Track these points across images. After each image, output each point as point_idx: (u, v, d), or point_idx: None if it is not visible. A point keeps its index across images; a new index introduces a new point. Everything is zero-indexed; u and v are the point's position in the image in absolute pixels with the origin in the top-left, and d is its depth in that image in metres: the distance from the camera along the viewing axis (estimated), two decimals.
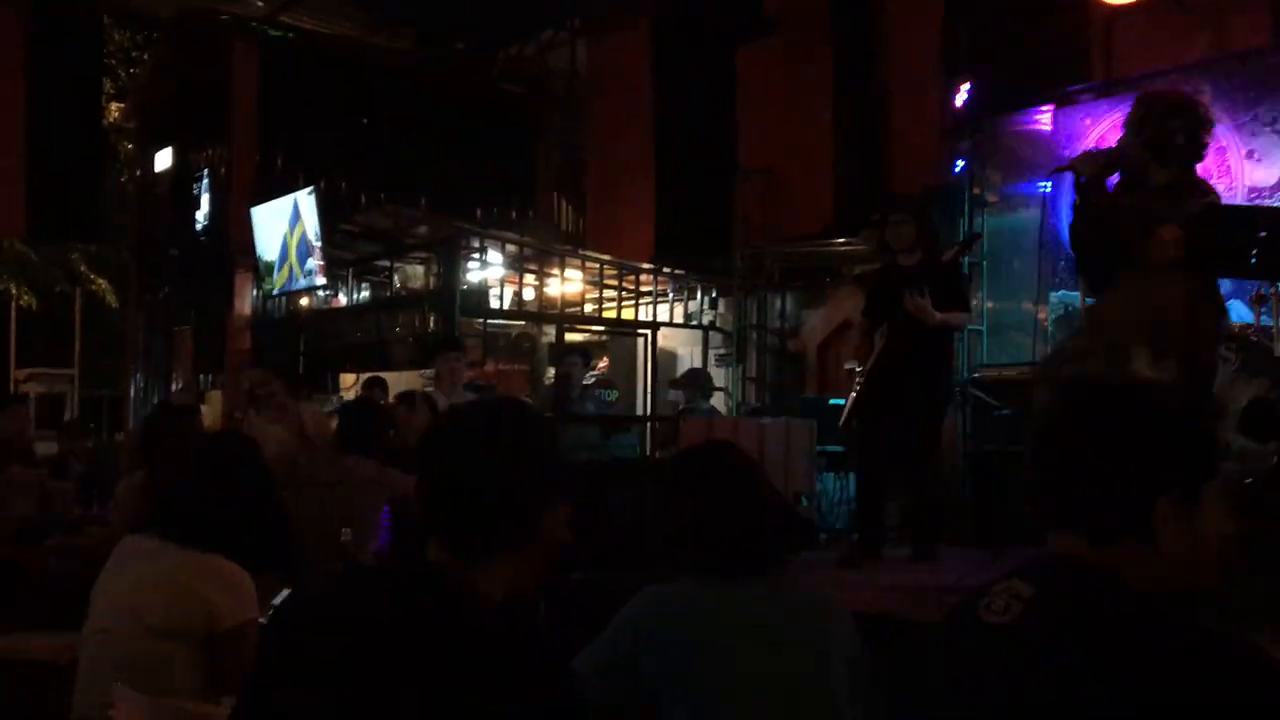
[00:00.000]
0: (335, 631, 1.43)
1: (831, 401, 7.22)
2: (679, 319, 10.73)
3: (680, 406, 7.72)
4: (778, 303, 9.90)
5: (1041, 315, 7.02)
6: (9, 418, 5.58)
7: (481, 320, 10.11)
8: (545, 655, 1.46)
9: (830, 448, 6.51)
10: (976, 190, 7.57)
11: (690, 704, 1.92)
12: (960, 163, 7.72)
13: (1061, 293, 6.90)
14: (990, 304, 7.65)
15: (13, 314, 20.41)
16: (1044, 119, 7.46)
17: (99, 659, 2.57)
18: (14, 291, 18.01)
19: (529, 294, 11.02)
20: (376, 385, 9.05)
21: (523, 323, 11.51)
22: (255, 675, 1.52)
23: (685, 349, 11.03)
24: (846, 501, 6.44)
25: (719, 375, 9.70)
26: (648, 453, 8.45)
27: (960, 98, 7.63)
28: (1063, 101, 7.40)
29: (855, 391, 5.09)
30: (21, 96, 9.31)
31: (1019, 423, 6.17)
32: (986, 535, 5.72)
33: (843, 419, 5.27)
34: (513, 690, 1.37)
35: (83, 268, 18.34)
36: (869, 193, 8.02)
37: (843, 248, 8.78)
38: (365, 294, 11.87)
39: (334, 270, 10.92)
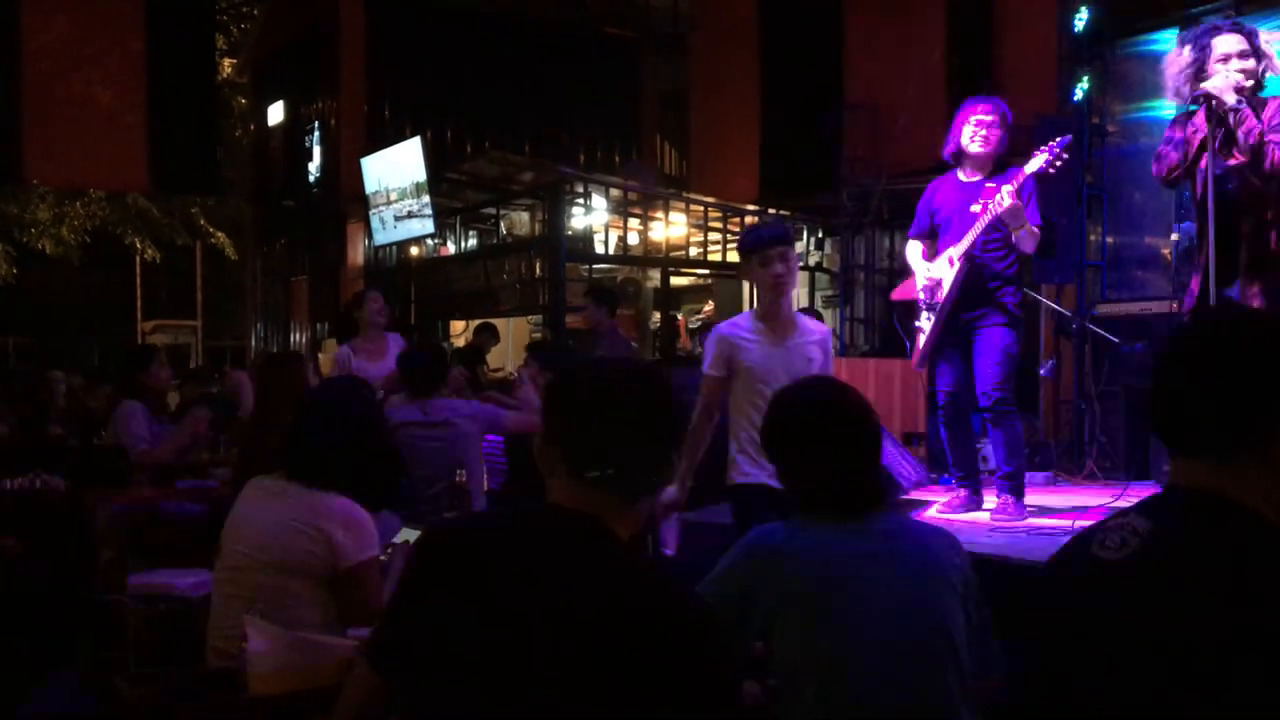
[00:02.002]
0: (511, 572, 1.49)
1: None
2: None
3: None
4: (886, 242, 9.71)
5: (1165, 249, 6.74)
6: (156, 366, 5.80)
7: (586, 265, 10.16)
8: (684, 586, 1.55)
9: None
10: (1095, 119, 7.26)
11: (804, 639, 1.92)
12: (1078, 91, 7.41)
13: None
14: (1110, 238, 7.38)
15: (138, 268, 21.22)
16: (1168, 42, 7.12)
17: (230, 594, 2.68)
18: (139, 245, 18.69)
19: (633, 238, 11.02)
20: (487, 331, 9.19)
21: (627, 267, 11.53)
22: (421, 611, 1.55)
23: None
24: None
25: (826, 317, 9.59)
26: None
27: (1078, 22, 7.31)
28: (1187, 23, 7.03)
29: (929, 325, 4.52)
30: (141, 56, 9.59)
31: (1143, 358, 5.97)
32: (1113, 473, 5.57)
33: (920, 358, 4.64)
34: (675, 616, 1.46)
35: (202, 221, 18.92)
36: None
37: None
38: (473, 241, 12.02)
39: (442, 218, 11.06)
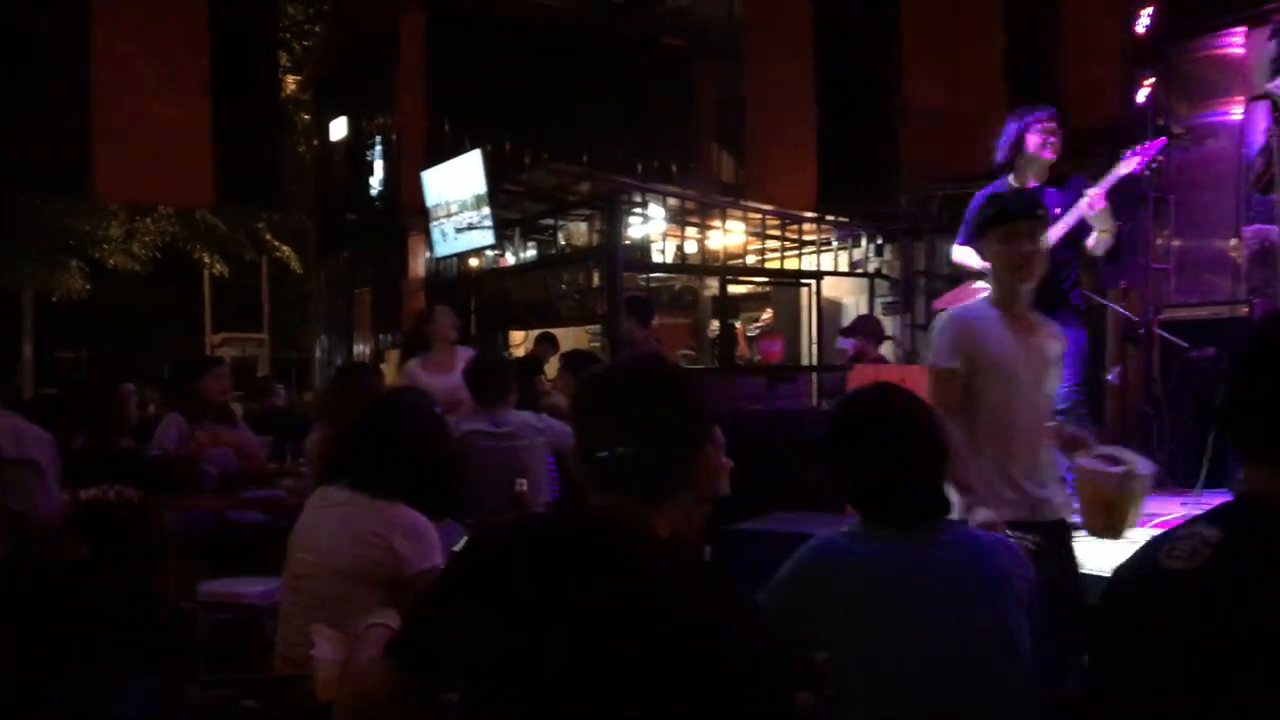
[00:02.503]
0: (554, 570, 1.52)
1: None
2: (843, 267, 10.54)
3: (850, 354, 7.58)
4: (946, 247, 9.60)
5: (1234, 252, 6.59)
6: (212, 378, 5.93)
7: (644, 275, 10.17)
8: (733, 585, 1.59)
9: None
10: (1161, 121, 7.13)
11: (863, 649, 1.91)
12: (1143, 93, 7.28)
13: (1256, 226, 6.46)
14: (1177, 241, 7.23)
15: (206, 282, 21.66)
16: (1235, 42, 6.97)
17: (297, 602, 2.73)
18: (207, 260, 19.08)
19: (691, 247, 11.01)
20: (547, 340, 9.24)
21: (685, 276, 11.52)
22: (460, 613, 1.57)
23: (851, 297, 10.85)
24: None
25: (887, 324, 9.51)
26: (814, 403, 8.38)
27: (1142, 23, 7.18)
28: (1256, 21, 6.88)
29: None
30: (207, 75, 9.79)
31: (1213, 363, 5.85)
32: (1182, 481, 5.46)
33: None
34: (720, 613, 1.49)
35: (268, 236, 19.27)
36: None
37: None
38: (531, 252, 12.10)
39: (501, 230, 11.15)
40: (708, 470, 1.63)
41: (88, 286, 18.16)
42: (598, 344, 10.74)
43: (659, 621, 1.45)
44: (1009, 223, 3.01)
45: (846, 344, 7.85)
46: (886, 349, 8.73)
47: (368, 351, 14.62)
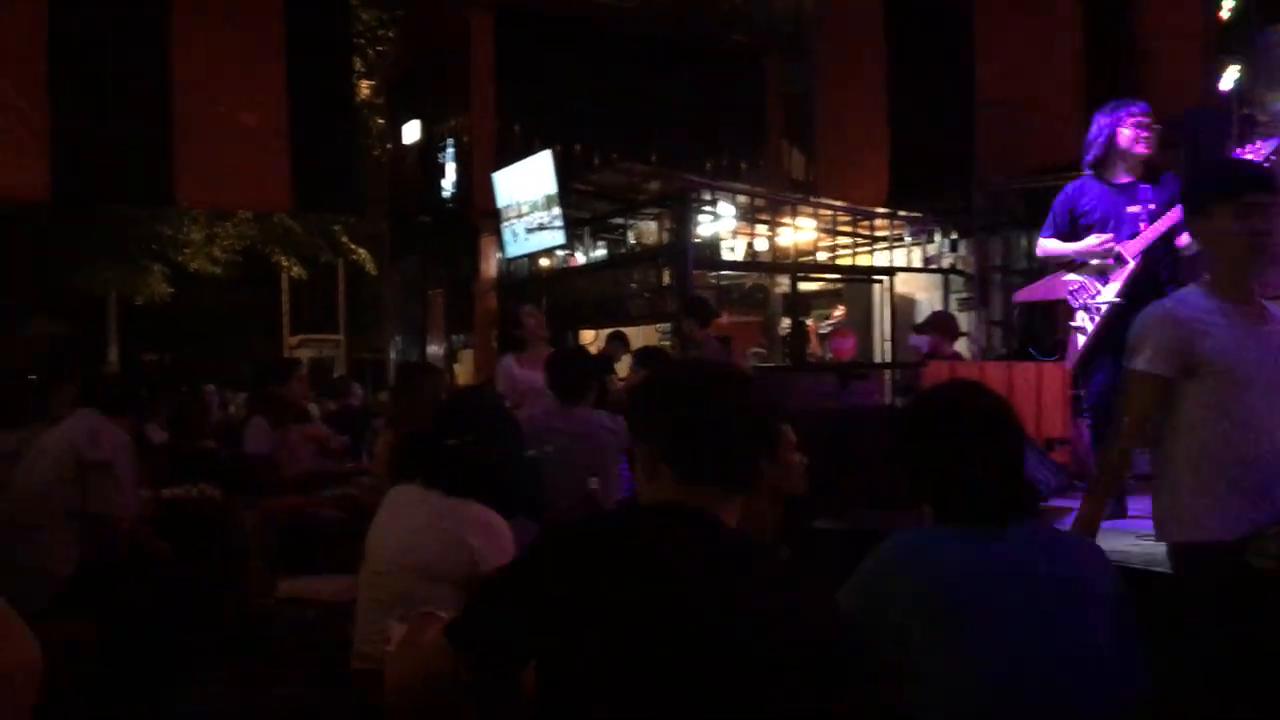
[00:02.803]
0: (632, 562, 1.55)
1: None
2: (917, 263, 10.42)
3: (924, 351, 7.47)
4: (1022, 241, 9.43)
5: None
6: (296, 380, 6.06)
7: (714, 273, 10.15)
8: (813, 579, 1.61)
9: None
10: (1246, 110, 6.92)
11: (942, 651, 1.87)
12: (1228, 81, 7.07)
13: None
14: None
15: (284, 284, 22.09)
16: None
17: (374, 599, 2.76)
18: (285, 263, 19.45)
19: (761, 245, 10.96)
20: (618, 339, 9.25)
21: (755, 274, 11.47)
22: (523, 603, 1.59)
23: (924, 294, 10.70)
24: None
25: (962, 320, 9.37)
26: (887, 400, 8.28)
27: (1226, 6, 6.98)
28: None
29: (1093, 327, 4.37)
30: (283, 81, 9.96)
31: None
32: None
33: (1080, 359, 4.47)
34: (796, 606, 1.53)
35: (344, 238, 19.59)
36: None
37: None
38: (601, 251, 12.14)
39: (571, 229, 11.21)
40: (775, 468, 1.65)
41: (170, 290, 18.62)
42: (668, 342, 10.73)
43: (692, 622, 1.47)
44: (1241, 194, 2.56)
45: (920, 341, 7.74)
46: (961, 345, 8.59)
47: (441, 351, 14.79)
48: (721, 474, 1.63)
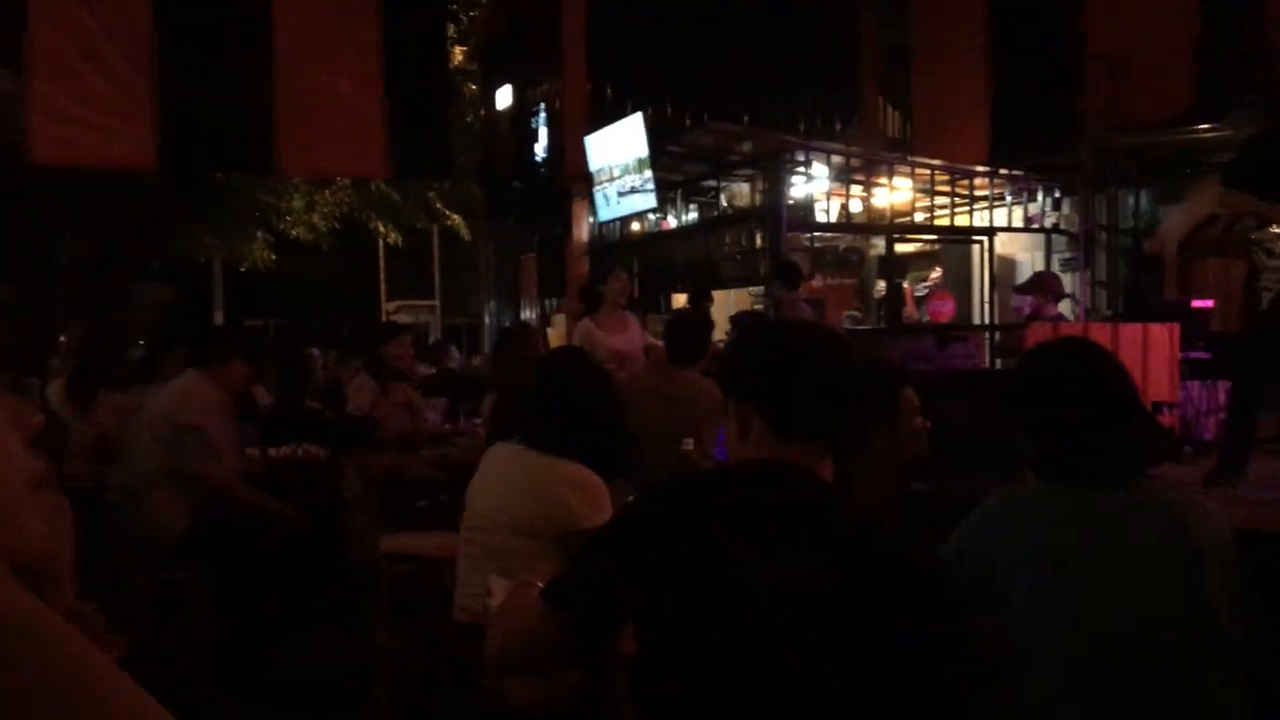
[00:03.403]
0: (729, 520, 1.56)
1: (1195, 304, 6.60)
2: (1018, 223, 10.15)
3: (1026, 312, 7.28)
4: (1130, 200, 9.13)
5: None
6: (396, 345, 6.18)
7: (808, 234, 10.03)
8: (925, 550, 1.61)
9: (1195, 354, 5.96)
10: None
11: (1047, 612, 1.83)
12: None
13: None
14: None
15: (381, 250, 22.46)
16: None
17: (473, 555, 2.81)
18: (382, 230, 19.75)
19: (855, 205, 10.79)
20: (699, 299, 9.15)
21: (850, 235, 11.31)
22: (622, 564, 1.61)
23: (1025, 254, 10.44)
24: (1215, 411, 5.90)
25: (1065, 281, 9.12)
26: (987, 363, 8.12)
27: None
28: None
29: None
30: (379, 49, 10.08)
31: None
32: None
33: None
34: (902, 565, 1.52)
35: (439, 204, 19.80)
36: (1240, 71, 7.15)
37: (1207, 134, 7.92)
38: (693, 214, 12.08)
39: (663, 193, 11.17)
40: (895, 434, 1.65)
41: (273, 257, 19.06)
42: (759, 305, 10.66)
43: (855, 574, 1.48)
44: None
45: (1022, 301, 7.54)
46: (1065, 307, 8.37)
47: (534, 315, 14.92)
48: (816, 428, 1.62)
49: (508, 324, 14.65)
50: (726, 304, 10.62)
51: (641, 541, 1.60)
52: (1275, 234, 4.44)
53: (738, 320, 6.63)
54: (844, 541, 1.52)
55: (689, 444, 4.05)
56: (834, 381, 1.64)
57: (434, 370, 9.06)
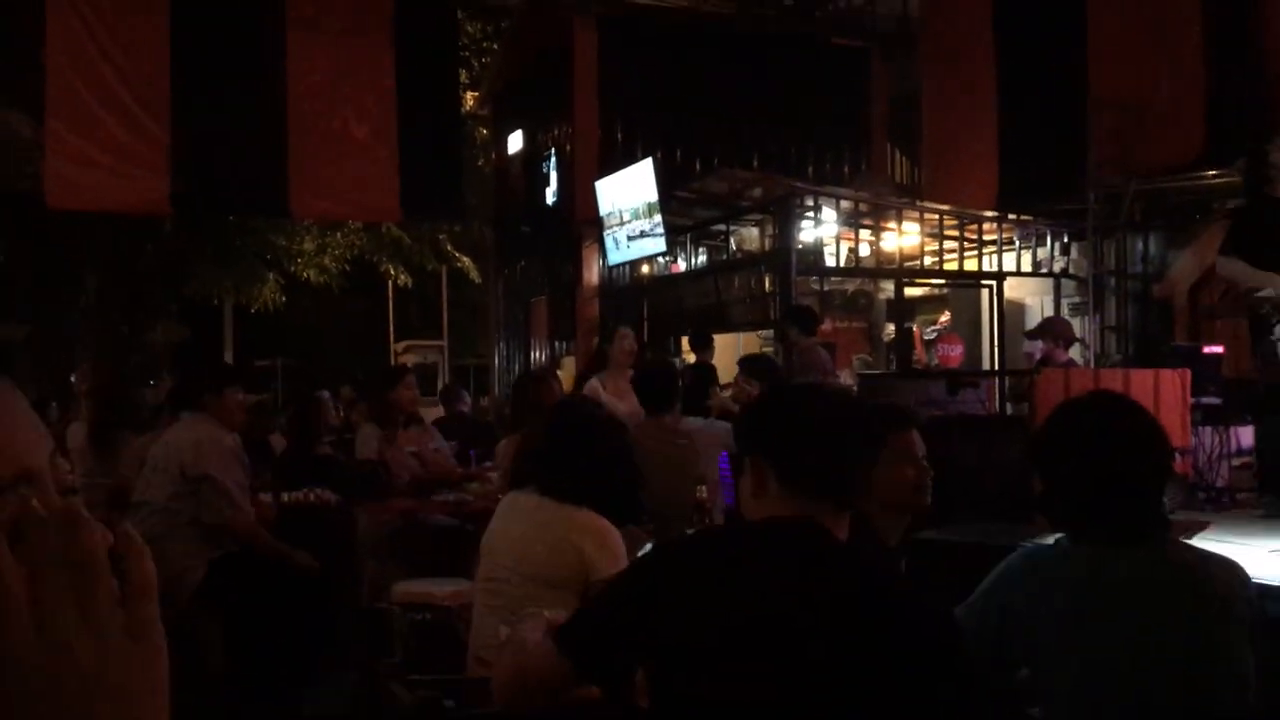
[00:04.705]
0: (744, 578, 1.59)
1: (1206, 350, 6.60)
2: (1026, 267, 10.17)
3: (1037, 358, 7.28)
4: (1139, 245, 9.15)
5: None
6: (404, 387, 6.20)
7: (817, 278, 10.07)
8: (932, 604, 1.64)
9: (1206, 399, 5.95)
10: None
11: (1071, 673, 1.82)
12: None
13: None
14: None
15: (390, 292, 22.56)
16: None
17: (489, 605, 2.81)
18: (392, 272, 19.85)
19: (865, 250, 10.83)
20: (701, 343, 9.15)
21: (859, 279, 11.34)
22: (646, 612, 1.63)
23: (1034, 299, 10.45)
24: (1226, 457, 5.88)
25: (1075, 326, 9.12)
26: (998, 408, 8.11)
27: None
28: None
29: None
30: (392, 94, 10.19)
31: None
32: None
33: None
34: (907, 616, 1.55)
35: (448, 247, 19.91)
36: (1249, 115, 7.19)
37: (1216, 180, 7.96)
38: (703, 258, 12.14)
39: (673, 237, 11.23)
40: (889, 481, 1.68)
41: (283, 299, 19.16)
42: (770, 349, 10.68)
43: (858, 624, 1.51)
44: None
45: (1033, 347, 7.54)
46: (1075, 352, 8.37)
47: (544, 358, 14.94)
48: (828, 488, 1.66)
49: (522, 369, 14.67)
50: (736, 348, 10.64)
51: (652, 594, 1.62)
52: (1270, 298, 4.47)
53: (749, 365, 6.63)
54: (851, 599, 1.54)
55: (702, 491, 4.05)
56: (846, 444, 1.68)
57: (444, 414, 9.06)
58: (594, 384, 6.08)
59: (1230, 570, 1.92)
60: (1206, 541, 4.11)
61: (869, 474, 1.71)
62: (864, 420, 1.74)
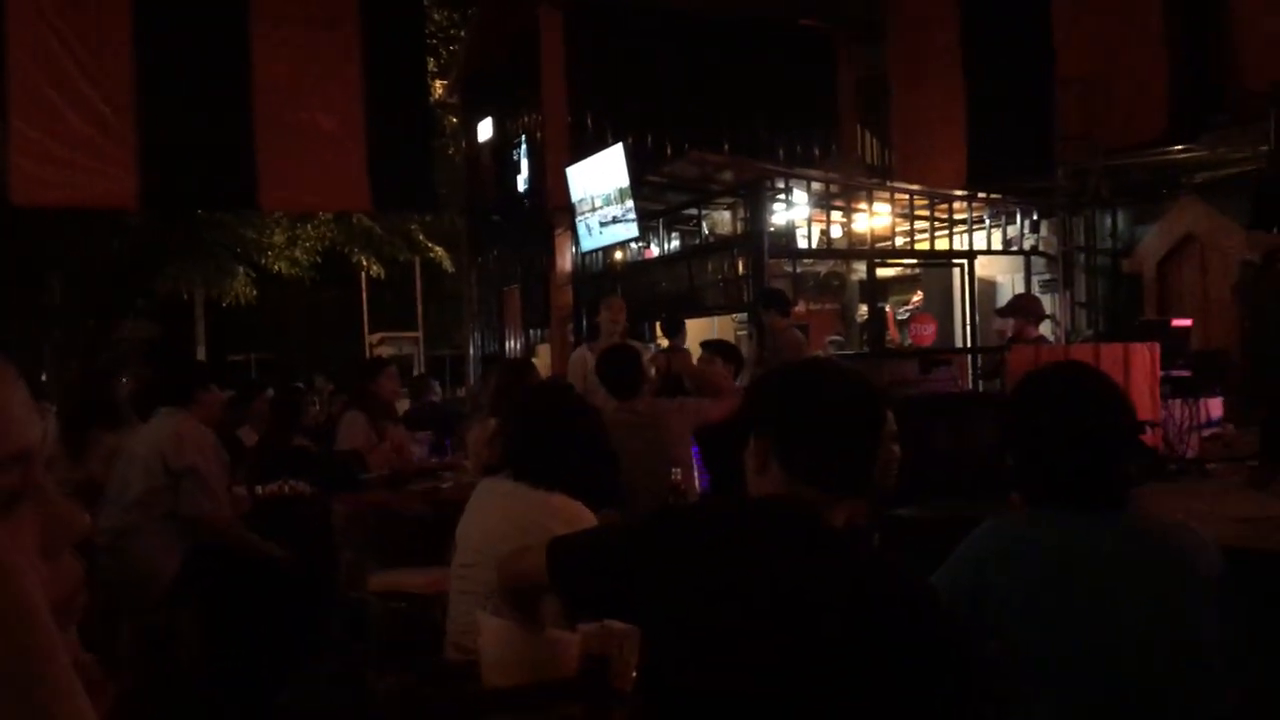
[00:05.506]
0: (732, 554, 1.61)
1: (1175, 323, 6.67)
2: (997, 245, 10.24)
3: (1009, 335, 7.34)
4: (1107, 221, 9.23)
5: None
6: (385, 379, 6.18)
7: (790, 261, 10.09)
8: (926, 588, 1.65)
9: (1176, 372, 6.02)
10: None
11: (1038, 641, 1.85)
12: None
13: None
14: None
15: (363, 283, 22.46)
16: None
17: (464, 591, 2.81)
18: (364, 263, 19.76)
19: (836, 231, 10.87)
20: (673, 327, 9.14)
21: (831, 261, 11.38)
22: (659, 593, 1.64)
23: (1005, 276, 10.52)
24: (1196, 429, 5.96)
25: (1045, 302, 9.19)
26: (970, 386, 8.17)
27: None
28: None
29: None
30: (360, 84, 10.12)
31: None
32: None
33: None
34: (897, 595, 1.56)
35: (421, 237, 19.83)
36: (1211, 91, 7.26)
37: (1181, 155, 8.03)
38: (676, 243, 12.14)
39: (645, 222, 11.23)
40: (881, 465, 1.70)
41: (254, 292, 19.04)
42: (744, 331, 10.71)
43: (845, 605, 1.52)
44: None
45: (1004, 324, 7.59)
46: (1045, 328, 8.44)
47: (519, 346, 14.92)
48: (832, 478, 1.66)
49: (500, 355, 14.64)
50: (711, 331, 10.65)
51: (645, 556, 1.66)
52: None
53: (707, 344, 6.64)
54: (842, 581, 1.55)
55: (676, 474, 4.07)
56: (848, 430, 1.68)
57: (415, 403, 9.04)
58: (582, 351, 6.08)
59: (1197, 539, 1.95)
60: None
61: (871, 460, 1.70)
62: (868, 405, 1.72)
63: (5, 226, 13.56)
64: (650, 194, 11.38)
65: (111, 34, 9.12)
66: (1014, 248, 10.16)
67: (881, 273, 10.86)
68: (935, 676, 1.50)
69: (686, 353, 7.31)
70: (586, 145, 12.22)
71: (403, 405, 8.79)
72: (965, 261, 9.93)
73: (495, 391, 4.93)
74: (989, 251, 10.14)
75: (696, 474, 4.68)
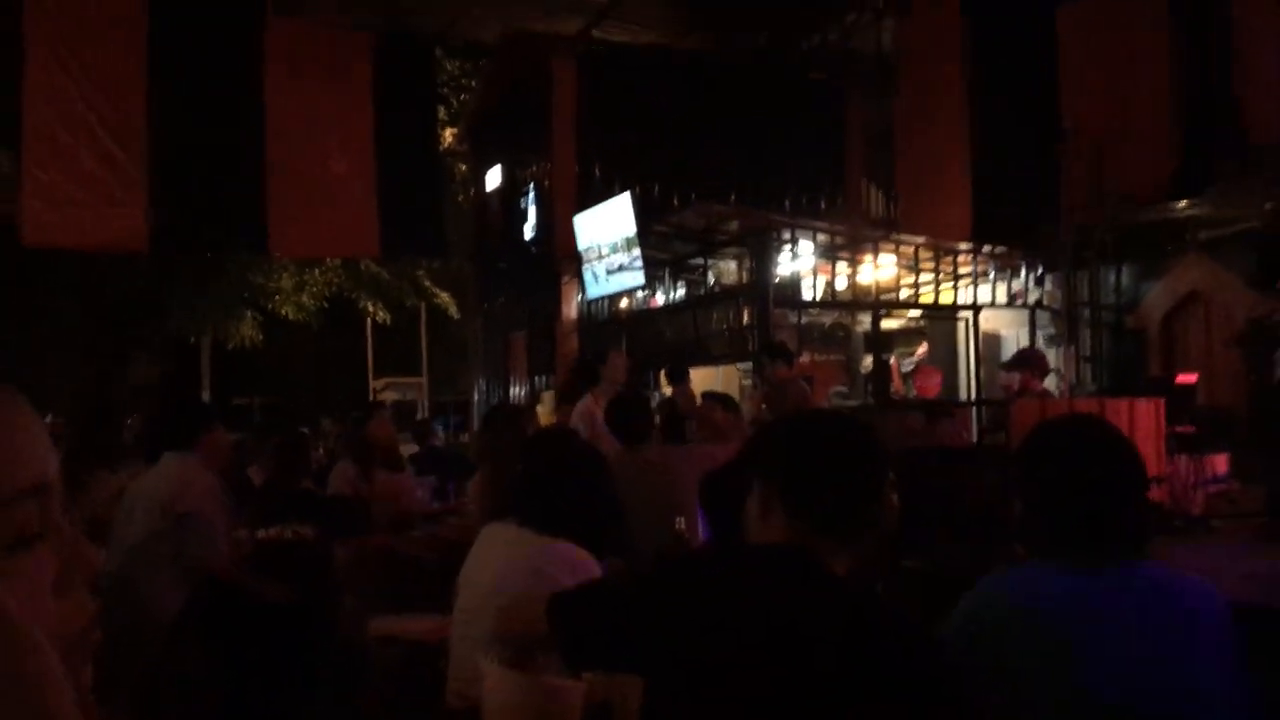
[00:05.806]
0: (732, 601, 1.61)
1: (1180, 379, 6.66)
2: (1001, 299, 10.27)
3: (1014, 389, 7.33)
4: (1111, 276, 9.25)
5: None
6: (376, 424, 6.19)
7: (795, 311, 10.12)
8: (921, 629, 1.65)
9: (1181, 428, 6.00)
10: None
11: (1044, 696, 1.84)
12: None
13: None
14: None
15: (369, 329, 22.53)
16: None
17: (466, 637, 2.79)
18: (371, 308, 19.83)
19: (841, 282, 10.91)
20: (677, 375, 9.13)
21: (836, 312, 11.41)
22: (656, 634, 1.65)
23: (1010, 330, 10.54)
24: (1202, 485, 5.93)
25: (1050, 356, 9.19)
26: (975, 438, 8.15)
27: None
28: None
29: None
30: (371, 132, 10.24)
31: None
32: None
33: None
34: (901, 638, 1.56)
35: (427, 283, 19.92)
36: (1218, 147, 7.30)
37: (1185, 211, 8.07)
38: (681, 292, 12.19)
39: (651, 270, 11.29)
40: (886, 512, 1.69)
41: (260, 336, 19.10)
42: (749, 382, 10.71)
43: (845, 653, 1.51)
44: None
45: (1010, 378, 7.59)
46: (1050, 382, 8.43)
47: (524, 393, 14.93)
48: (836, 524, 1.66)
49: (496, 403, 14.65)
50: (715, 380, 10.66)
51: (645, 610, 1.65)
52: None
53: (708, 394, 6.65)
54: (835, 615, 1.55)
55: (681, 523, 4.05)
56: (852, 478, 1.69)
57: (418, 448, 9.05)
58: (587, 401, 6.10)
59: (1204, 592, 1.94)
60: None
61: (875, 509, 1.69)
62: (872, 452, 1.72)
63: (16, 266, 13.65)
64: (656, 243, 11.45)
65: (126, 78, 9.24)
66: (1019, 302, 10.19)
67: (886, 324, 10.89)
68: (927, 713, 1.50)
69: (689, 389, 7.32)
70: (594, 194, 12.32)
71: (408, 449, 8.80)
72: (970, 314, 9.95)
73: (483, 437, 4.94)
74: (993, 305, 10.16)
75: (699, 520, 4.66)
